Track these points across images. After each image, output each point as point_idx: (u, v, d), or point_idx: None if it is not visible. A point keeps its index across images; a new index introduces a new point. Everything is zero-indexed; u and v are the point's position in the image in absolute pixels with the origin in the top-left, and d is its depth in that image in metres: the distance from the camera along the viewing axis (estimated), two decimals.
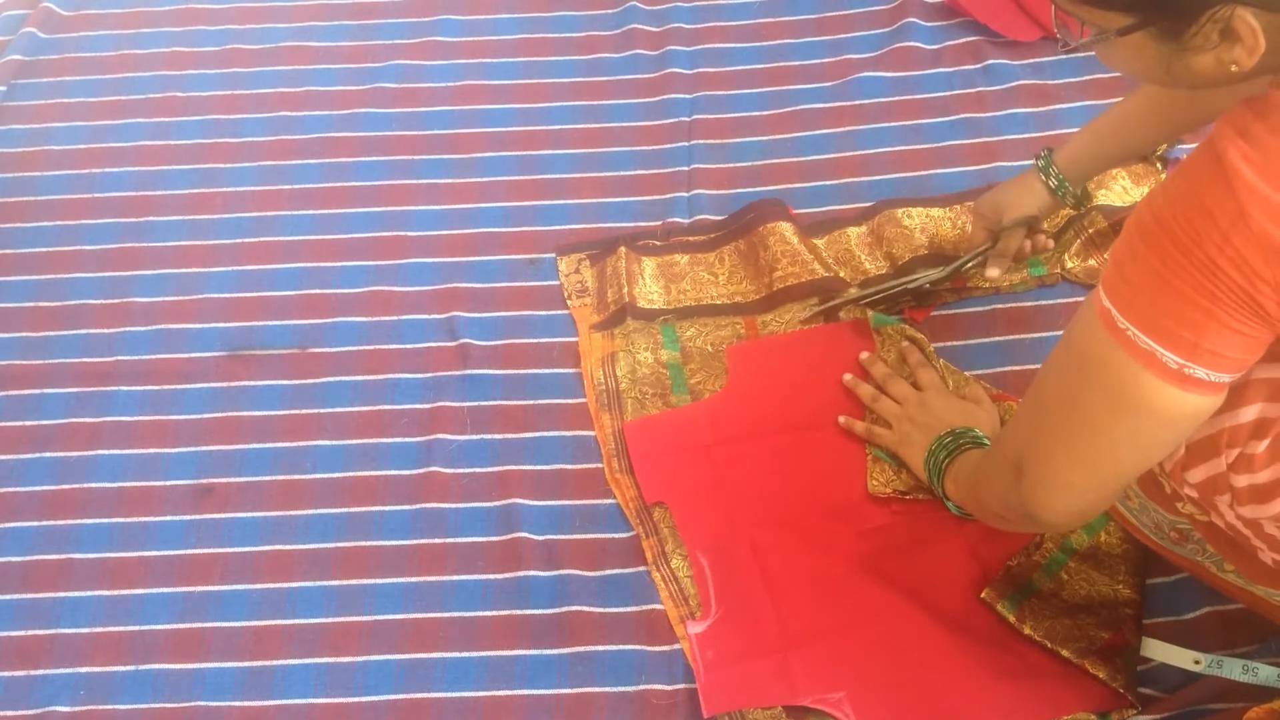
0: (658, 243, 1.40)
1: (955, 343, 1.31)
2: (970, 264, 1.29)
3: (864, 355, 1.27)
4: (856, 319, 1.31)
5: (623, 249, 1.38)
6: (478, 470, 1.25)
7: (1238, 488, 0.85)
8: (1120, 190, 1.39)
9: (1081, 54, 0.81)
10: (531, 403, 1.30)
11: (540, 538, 1.20)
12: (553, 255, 1.41)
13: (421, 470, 1.26)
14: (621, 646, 1.14)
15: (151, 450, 1.29)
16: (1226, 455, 0.84)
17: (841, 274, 1.36)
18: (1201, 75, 0.75)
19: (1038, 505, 0.89)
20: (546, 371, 1.32)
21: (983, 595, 1.12)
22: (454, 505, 1.23)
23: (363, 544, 1.22)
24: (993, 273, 1.27)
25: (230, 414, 1.31)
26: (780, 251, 1.35)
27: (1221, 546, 0.95)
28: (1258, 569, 0.93)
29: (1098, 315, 0.79)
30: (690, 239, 1.41)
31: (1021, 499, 0.90)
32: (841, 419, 1.24)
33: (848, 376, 1.26)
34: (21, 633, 1.18)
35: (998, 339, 1.31)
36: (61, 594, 1.20)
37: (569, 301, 1.37)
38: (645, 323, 1.33)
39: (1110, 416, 0.81)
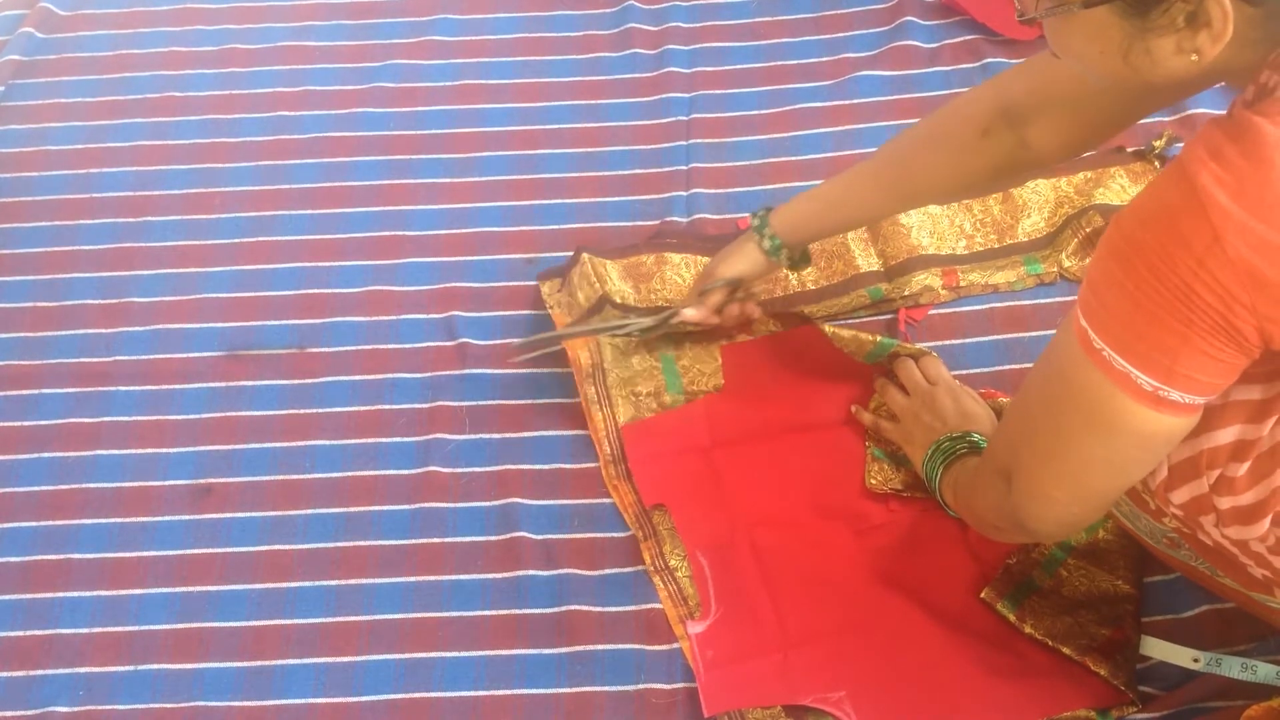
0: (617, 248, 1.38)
1: (953, 341, 1.31)
2: (676, 316, 1.24)
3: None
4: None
5: (585, 256, 1.35)
6: (476, 470, 1.25)
7: (1221, 509, 0.85)
8: (1119, 189, 1.38)
9: (1039, 21, 0.78)
10: (530, 402, 1.30)
11: (539, 537, 1.20)
12: (550, 255, 1.41)
13: (420, 470, 1.26)
14: (621, 646, 1.14)
15: (150, 450, 1.29)
16: (1208, 476, 0.84)
17: (836, 266, 1.36)
18: (1159, 63, 0.74)
19: (1025, 515, 0.91)
20: (545, 371, 1.32)
21: (983, 595, 1.12)
22: (453, 505, 1.23)
23: (361, 544, 1.22)
24: (688, 313, 1.22)
25: (228, 414, 1.31)
26: None
27: (1211, 558, 0.95)
28: (1249, 580, 0.93)
29: (1075, 334, 0.79)
30: (669, 240, 1.39)
31: (1012, 508, 0.92)
32: (853, 407, 1.24)
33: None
34: (21, 633, 1.18)
35: (995, 337, 1.31)
36: (61, 594, 1.20)
37: (555, 319, 1.35)
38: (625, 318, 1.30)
39: (1087, 434, 0.82)
